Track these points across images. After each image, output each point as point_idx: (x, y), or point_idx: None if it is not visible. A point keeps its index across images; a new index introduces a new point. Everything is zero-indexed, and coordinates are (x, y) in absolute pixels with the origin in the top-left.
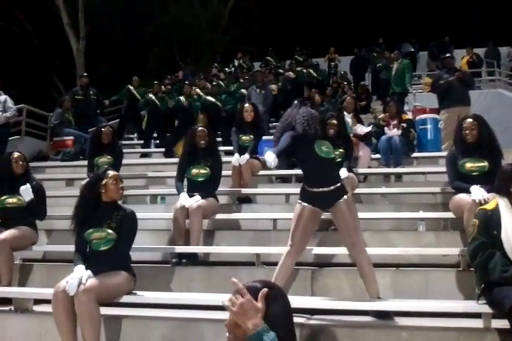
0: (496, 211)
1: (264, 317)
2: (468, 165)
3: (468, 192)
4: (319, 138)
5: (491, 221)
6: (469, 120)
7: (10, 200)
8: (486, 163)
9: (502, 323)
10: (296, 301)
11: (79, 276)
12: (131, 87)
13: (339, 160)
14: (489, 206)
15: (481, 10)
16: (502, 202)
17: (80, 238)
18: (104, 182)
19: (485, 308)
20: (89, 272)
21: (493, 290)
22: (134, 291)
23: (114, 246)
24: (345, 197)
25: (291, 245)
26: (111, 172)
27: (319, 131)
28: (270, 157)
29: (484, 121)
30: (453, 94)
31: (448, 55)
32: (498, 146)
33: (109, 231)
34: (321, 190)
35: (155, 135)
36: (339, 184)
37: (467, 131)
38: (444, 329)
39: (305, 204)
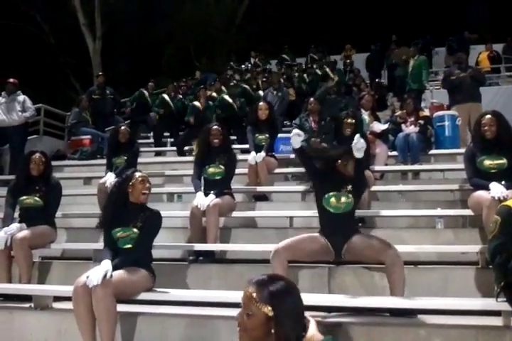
0: None
1: (276, 311)
2: (487, 162)
3: (487, 189)
4: (333, 190)
5: None
6: (488, 116)
7: (27, 201)
8: (504, 160)
9: None
10: (313, 299)
11: (105, 269)
12: (145, 92)
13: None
14: None
15: (496, 5)
16: None
17: (108, 235)
18: (131, 182)
19: (504, 306)
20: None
21: None
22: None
23: (136, 246)
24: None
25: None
26: (138, 174)
27: (336, 181)
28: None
29: (503, 118)
30: (463, 90)
31: (460, 53)
32: None
33: (134, 230)
34: (331, 238)
35: (166, 133)
36: (352, 233)
37: (486, 128)
38: (463, 327)
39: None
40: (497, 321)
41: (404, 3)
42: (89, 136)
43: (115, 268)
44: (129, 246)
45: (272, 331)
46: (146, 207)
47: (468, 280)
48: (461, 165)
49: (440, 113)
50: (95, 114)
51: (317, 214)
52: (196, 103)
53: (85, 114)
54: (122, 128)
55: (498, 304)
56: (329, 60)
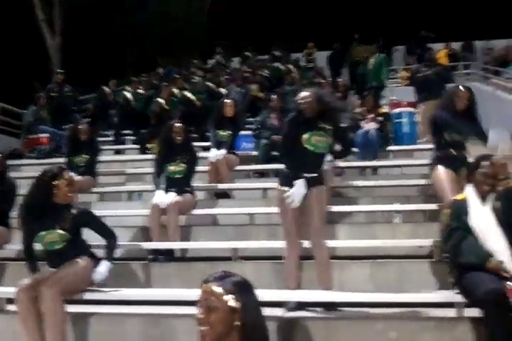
0: (465, 200)
1: (242, 300)
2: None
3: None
4: (313, 129)
5: (461, 209)
6: (464, 90)
7: None
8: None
9: (474, 312)
10: (271, 294)
11: None
12: (105, 89)
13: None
14: (459, 197)
15: (456, 4)
16: (470, 190)
17: (30, 239)
18: (57, 182)
19: (457, 298)
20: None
21: (465, 279)
22: (106, 289)
23: (67, 245)
24: (320, 186)
25: (287, 237)
26: (66, 174)
27: (322, 118)
28: None
29: (474, 94)
30: (430, 87)
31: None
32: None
33: (62, 232)
34: (300, 175)
35: (128, 131)
36: (318, 174)
37: (460, 99)
38: (419, 319)
39: (284, 188)
40: (451, 312)
41: (365, 2)
42: (47, 135)
43: (56, 267)
44: (60, 247)
45: (237, 323)
46: (71, 205)
47: (425, 273)
48: (419, 161)
49: (398, 110)
50: (53, 111)
51: (277, 211)
52: (160, 99)
53: (43, 112)
54: (82, 126)
55: (452, 296)
56: (291, 58)
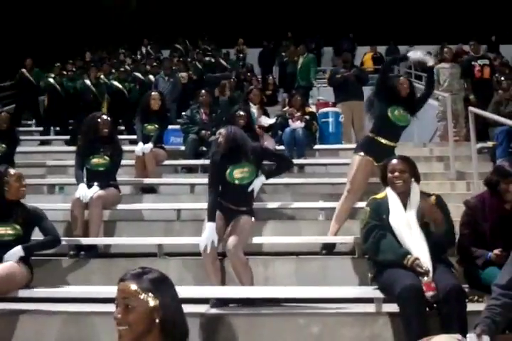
0: (385, 199)
1: (160, 298)
2: (397, 113)
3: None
4: (235, 162)
5: (381, 207)
6: (404, 79)
7: None
8: (409, 117)
9: (392, 307)
10: (194, 291)
11: None
12: (24, 71)
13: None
14: (379, 196)
15: (382, 10)
16: (389, 190)
17: None
18: (6, 180)
19: (377, 293)
20: None
21: (383, 275)
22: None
23: (17, 239)
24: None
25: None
26: (12, 171)
27: (239, 152)
28: None
29: (412, 82)
30: (348, 88)
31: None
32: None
33: (17, 226)
34: (230, 207)
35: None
36: (248, 208)
37: (404, 86)
38: (340, 314)
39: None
40: (370, 308)
41: (296, 2)
42: None
43: None
44: (9, 238)
45: (157, 320)
46: (21, 202)
47: (346, 269)
48: (344, 160)
49: (325, 110)
50: None
51: (205, 207)
52: (87, 81)
53: None
54: (2, 114)
55: (371, 291)
56: (221, 52)
